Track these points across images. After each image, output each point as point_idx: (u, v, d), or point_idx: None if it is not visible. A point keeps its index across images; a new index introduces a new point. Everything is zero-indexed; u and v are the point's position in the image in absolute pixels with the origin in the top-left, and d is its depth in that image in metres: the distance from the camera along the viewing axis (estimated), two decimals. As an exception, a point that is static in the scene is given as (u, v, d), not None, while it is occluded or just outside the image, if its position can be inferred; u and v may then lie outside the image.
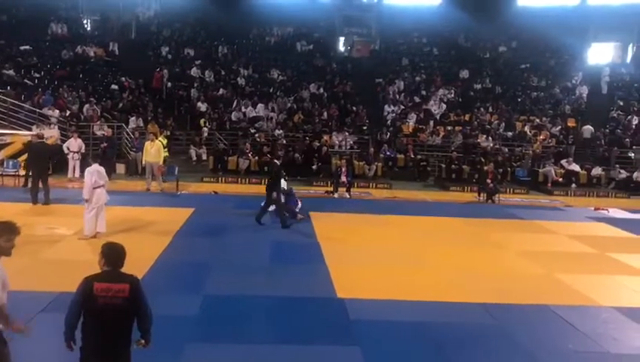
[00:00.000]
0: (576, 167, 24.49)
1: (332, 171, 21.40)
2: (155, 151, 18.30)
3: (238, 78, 29.63)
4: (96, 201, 11.39)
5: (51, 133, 20.80)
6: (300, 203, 15.15)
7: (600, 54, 35.80)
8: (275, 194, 13.73)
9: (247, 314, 7.85)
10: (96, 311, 4.45)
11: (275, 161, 14.86)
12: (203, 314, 7.76)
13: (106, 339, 4.49)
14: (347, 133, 26.01)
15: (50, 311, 7.06)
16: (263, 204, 13.91)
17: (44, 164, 15.23)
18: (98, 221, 11.54)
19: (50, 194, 14.81)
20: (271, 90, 29.06)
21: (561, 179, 23.85)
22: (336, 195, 19.24)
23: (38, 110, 22.48)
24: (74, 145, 19.41)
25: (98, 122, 22.71)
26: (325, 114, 27.69)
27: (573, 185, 23.55)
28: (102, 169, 11.78)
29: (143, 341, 4.75)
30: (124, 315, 4.51)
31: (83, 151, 19.71)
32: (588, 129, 28.65)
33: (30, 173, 15.50)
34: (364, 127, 27.27)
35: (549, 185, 23.44)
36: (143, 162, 18.86)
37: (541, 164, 24.73)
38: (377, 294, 8.85)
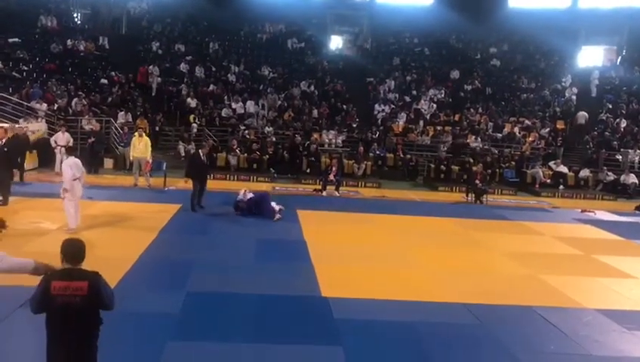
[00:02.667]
0: (564, 169, 24.60)
1: (321, 169, 21.37)
2: (143, 146, 18.21)
3: (229, 75, 29.52)
4: (72, 193, 11.35)
5: (38, 127, 20.65)
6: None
7: (590, 57, 35.99)
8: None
9: (231, 312, 7.81)
10: (55, 310, 4.34)
11: (199, 150, 15.37)
12: (185, 312, 7.69)
13: (68, 339, 4.37)
14: (337, 132, 25.97)
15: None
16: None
17: (15, 159, 14.78)
18: (75, 214, 11.51)
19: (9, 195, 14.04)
20: (261, 88, 28.98)
21: (549, 181, 23.97)
22: (324, 193, 19.22)
23: (25, 103, 22.30)
24: (61, 139, 19.23)
25: (87, 116, 22.56)
26: (315, 112, 27.66)
27: (561, 187, 23.67)
28: (79, 162, 11.74)
29: None
30: (84, 314, 4.37)
31: (71, 145, 19.54)
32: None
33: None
34: (354, 126, 27.25)
35: (537, 186, 23.54)
36: (131, 157, 18.75)
37: (529, 165, 24.83)
38: (362, 293, 8.83)
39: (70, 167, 11.43)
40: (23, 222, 12.07)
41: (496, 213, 17.44)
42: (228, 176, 21.43)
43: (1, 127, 16.74)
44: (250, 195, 14.80)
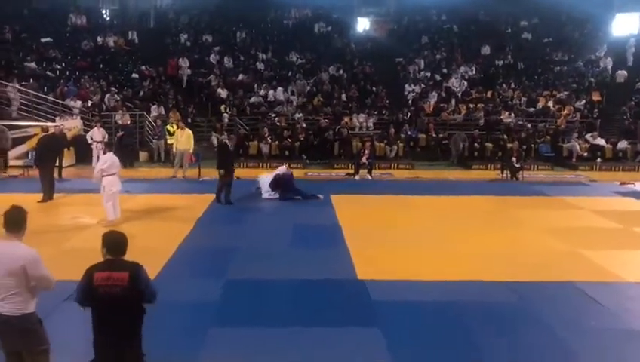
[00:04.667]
0: (601, 141, 24.06)
1: (353, 153, 21.33)
2: (185, 138, 18.49)
3: (257, 63, 29.57)
4: (110, 188, 11.64)
5: (74, 124, 21.05)
6: None
7: (625, 25, 34.85)
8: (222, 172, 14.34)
9: (269, 297, 7.92)
10: (97, 300, 4.47)
11: (226, 140, 15.68)
12: (225, 299, 7.83)
13: (111, 329, 4.50)
14: (367, 115, 25.82)
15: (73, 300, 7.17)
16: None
17: (53, 156, 15.05)
18: (114, 208, 11.83)
19: (54, 188, 14.53)
20: (289, 74, 28.97)
21: (585, 154, 23.51)
22: (357, 177, 19.20)
23: (60, 101, 22.75)
24: (97, 134, 19.60)
25: (120, 111, 22.89)
26: (344, 96, 27.55)
27: (599, 160, 23.17)
28: (116, 158, 12.05)
29: None
30: (125, 304, 4.48)
31: (106, 140, 19.90)
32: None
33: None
34: (385, 108, 27.06)
35: (574, 160, 23.12)
36: (174, 149, 19.00)
37: (565, 139, 24.37)
38: (399, 275, 8.84)
39: (105, 161, 11.75)
40: (63, 217, 12.42)
41: (533, 189, 17.21)
42: (260, 164, 21.56)
43: (39, 126, 17.12)
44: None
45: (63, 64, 26.68)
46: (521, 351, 6.48)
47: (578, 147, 23.47)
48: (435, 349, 6.46)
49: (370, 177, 19.26)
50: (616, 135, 25.39)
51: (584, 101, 27.96)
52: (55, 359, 5.50)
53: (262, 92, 26.91)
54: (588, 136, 24.47)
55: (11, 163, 19.01)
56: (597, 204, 15.06)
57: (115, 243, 4.60)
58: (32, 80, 24.01)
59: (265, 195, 15.07)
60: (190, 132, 18.91)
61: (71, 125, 20.80)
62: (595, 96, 28.83)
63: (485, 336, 6.81)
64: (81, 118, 22.18)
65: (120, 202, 12.18)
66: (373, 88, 28.58)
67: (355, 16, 35.96)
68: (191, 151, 18.56)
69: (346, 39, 32.78)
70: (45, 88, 23.78)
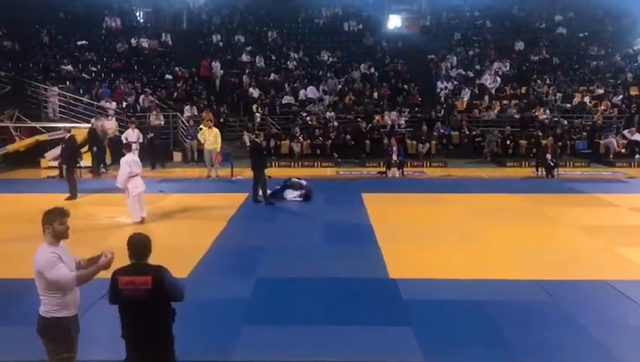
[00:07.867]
0: (639, 137, 23.52)
1: (384, 152, 21.28)
2: (212, 137, 18.69)
3: (289, 62, 29.68)
4: (134, 189, 11.83)
5: (109, 125, 21.43)
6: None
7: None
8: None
9: (301, 296, 7.95)
10: (123, 304, 4.55)
11: (256, 139, 15.47)
12: (258, 297, 7.89)
13: (138, 331, 4.57)
14: (398, 113, 25.70)
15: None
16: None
17: (73, 157, 15.37)
18: (140, 207, 12.01)
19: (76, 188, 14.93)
20: (320, 73, 29.00)
21: (623, 150, 23.02)
22: (389, 174, 19.15)
23: (96, 103, 23.20)
24: (132, 135, 19.93)
25: (154, 112, 23.23)
26: (376, 94, 27.47)
27: (637, 156, 22.66)
28: (137, 158, 12.25)
29: None
30: (151, 306, 4.52)
31: (141, 141, 20.26)
32: None
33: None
34: (417, 106, 26.88)
35: (611, 156, 22.66)
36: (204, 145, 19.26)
37: (602, 135, 23.89)
38: (430, 274, 8.81)
39: (128, 163, 11.90)
40: (100, 216, 12.68)
41: (569, 187, 16.94)
42: (292, 163, 21.64)
43: (64, 128, 17.40)
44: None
45: (99, 66, 27.21)
46: (554, 350, 6.38)
47: (615, 143, 23.01)
48: (467, 348, 6.41)
49: (401, 175, 19.18)
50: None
51: (621, 96, 27.35)
52: (91, 354, 5.66)
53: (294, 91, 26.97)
54: (625, 132, 23.96)
55: (49, 164, 19.52)
56: (635, 201, 14.75)
57: (137, 247, 4.64)
58: (68, 82, 24.56)
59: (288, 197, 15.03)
60: (217, 131, 19.08)
61: (107, 126, 21.19)
62: (633, 91, 28.17)
63: (518, 335, 6.73)
64: (116, 120, 22.57)
65: (154, 201, 12.40)
66: (405, 86, 28.41)
67: (386, 13, 35.86)
68: (218, 150, 18.72)
69: (377, 37, 32.63)
70: (81, 90, 24.28)
